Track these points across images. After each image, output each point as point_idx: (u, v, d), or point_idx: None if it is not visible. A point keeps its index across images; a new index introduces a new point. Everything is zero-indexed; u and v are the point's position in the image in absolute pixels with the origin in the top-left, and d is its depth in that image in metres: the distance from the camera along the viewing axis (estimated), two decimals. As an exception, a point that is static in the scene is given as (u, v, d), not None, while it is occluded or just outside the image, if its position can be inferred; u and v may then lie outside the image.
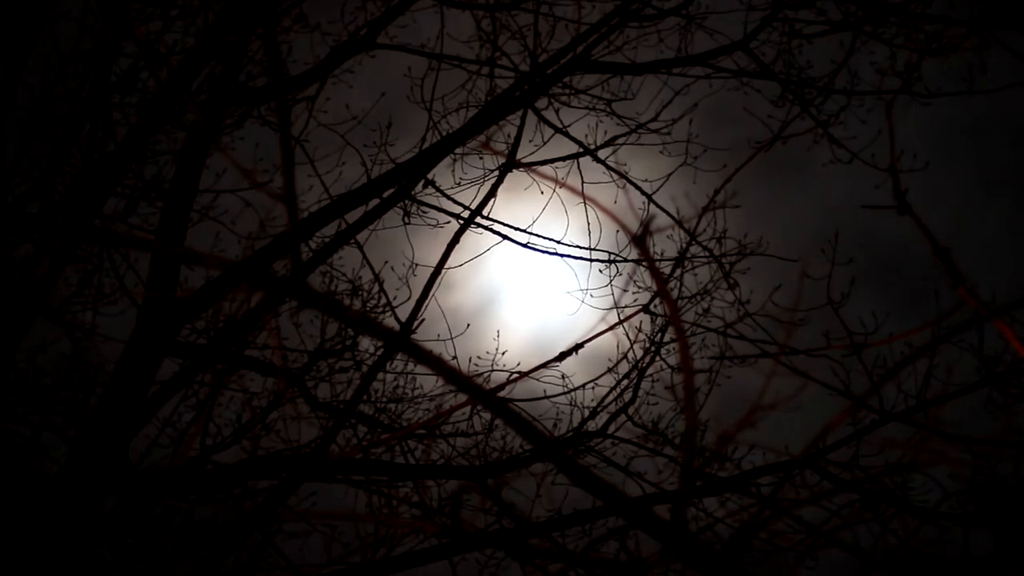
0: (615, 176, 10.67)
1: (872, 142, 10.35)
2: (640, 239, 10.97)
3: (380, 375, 10.38)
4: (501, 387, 10.38)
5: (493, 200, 10.50)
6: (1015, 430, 9.91)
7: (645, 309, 10.65)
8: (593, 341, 10.51)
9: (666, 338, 10.56)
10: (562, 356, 10.42)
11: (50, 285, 9.74)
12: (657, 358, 10.54)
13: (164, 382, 9.96)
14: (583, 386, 10.47)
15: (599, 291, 10.64)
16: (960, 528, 9.80)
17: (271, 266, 10.01)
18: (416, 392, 10.50)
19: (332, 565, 10.17)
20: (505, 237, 10.50)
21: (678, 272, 10.68)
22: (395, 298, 10.35)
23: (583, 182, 10.64)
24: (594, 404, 10.46)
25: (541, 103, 10.54)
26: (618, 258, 10.67)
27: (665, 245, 10.83)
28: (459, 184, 10.51)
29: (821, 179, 11.11)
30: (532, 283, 10.98)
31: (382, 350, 10.33)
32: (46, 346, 10.30)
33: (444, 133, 10.41)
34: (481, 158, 10.61)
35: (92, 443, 9.43)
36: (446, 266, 10.33)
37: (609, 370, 10.55)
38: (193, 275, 10.11)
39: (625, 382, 10.50)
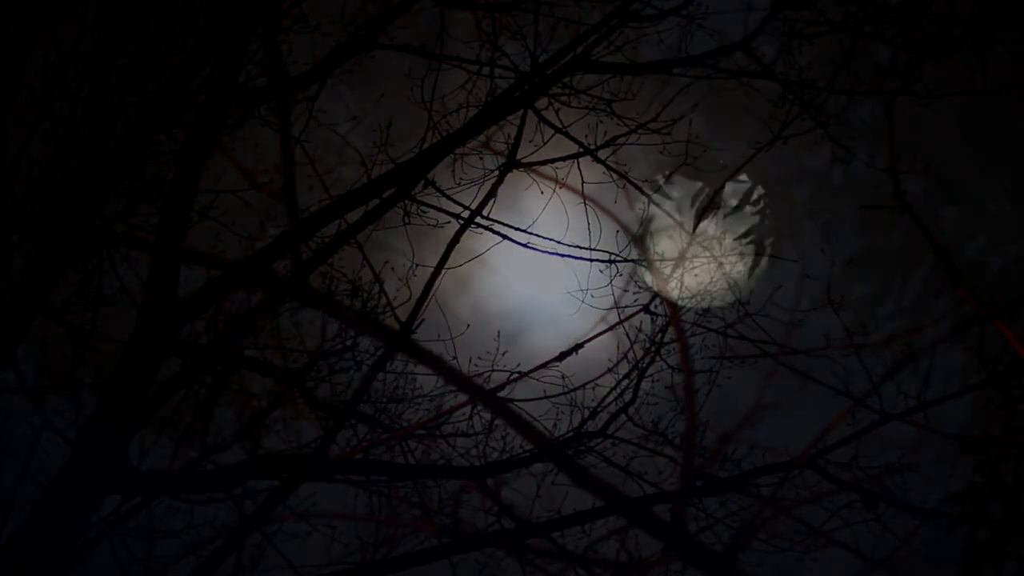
0: (615, 176, 10.68)
1: (872, 142, 10.38)
2: (640, 239, 10.97)
3: (380, 375, 10.37)
4: (501, 387, 10.39)
5: (493, 200, 10.50)
6: (1015, 430, 9.92)
7: (645, 309, 10.65)
8: (593, 341, 10.52)
9: (666, 338, 10.57)
10: (562, 356, 10.43)
11: (50, 285, 9.73)
12: (657, 358, 10.55)
13: (164, 382, 9.97)
14: (583, 386, 10.48)
15: (599, 291, 10.64)
16: (960, 528, 9.81)
17: (271, 266, 10.01)
18: (416, 392, 10.49)
19: (332, 565, 10.18)
20: (505, 237, 10.50)
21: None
22: (395, 298, 10.34)
23: (583, 182, 10.64)
24: (594, 404, 10.47)
25: (541, 103, 10.53)
26: (618, 258, 10.67)
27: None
28: (459, 184, 10.51)
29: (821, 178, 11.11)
30: (532, 283, 10.98)
31: (382, 350, 10.33)
32: (46, 346, 10.30)
33: (444, 133, 10.41)
34: (481, 158, 10.60)
35: (92, 443, 9.43)
36: (446, 266, 10.33)
37: (609, 370, 10.56)
38: (193, 275, 10.11)
39: (625, 382, 10.52)
